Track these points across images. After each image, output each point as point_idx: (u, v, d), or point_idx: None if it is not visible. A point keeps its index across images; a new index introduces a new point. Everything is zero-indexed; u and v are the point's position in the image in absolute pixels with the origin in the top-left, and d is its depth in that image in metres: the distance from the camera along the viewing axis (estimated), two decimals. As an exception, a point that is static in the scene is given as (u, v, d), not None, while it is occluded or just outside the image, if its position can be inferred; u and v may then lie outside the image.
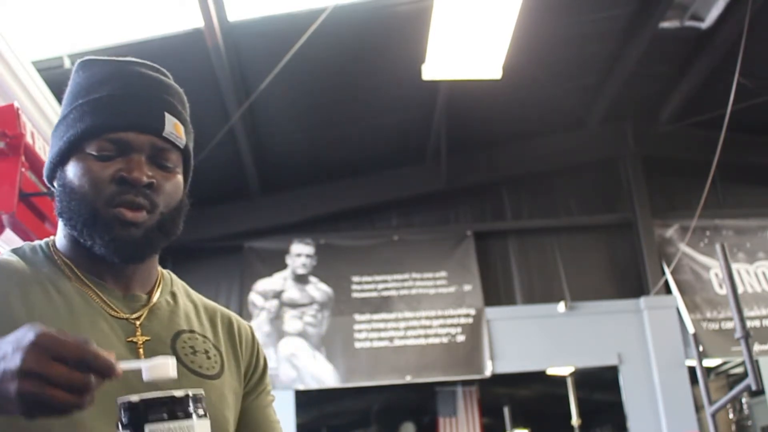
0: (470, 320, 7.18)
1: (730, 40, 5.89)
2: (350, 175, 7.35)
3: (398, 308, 7.21)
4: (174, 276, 1.22)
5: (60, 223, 1.12)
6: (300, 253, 7.34)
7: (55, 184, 1.09)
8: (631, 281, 7.53)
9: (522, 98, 6.73)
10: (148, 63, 1.13)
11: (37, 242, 1.14)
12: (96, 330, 1.02)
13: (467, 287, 7.30)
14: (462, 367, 7.05)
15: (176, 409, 0.83)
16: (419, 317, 7.18)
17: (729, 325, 7.03)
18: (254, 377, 1.19)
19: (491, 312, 7.24)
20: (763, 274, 7.50)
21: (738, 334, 3.42)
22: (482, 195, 7.77)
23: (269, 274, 7.24)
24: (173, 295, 1.17)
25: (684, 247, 7.44)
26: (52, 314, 1.00)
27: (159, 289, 1.14)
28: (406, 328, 7.15)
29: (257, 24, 5.19)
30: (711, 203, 6.93)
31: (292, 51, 5.05)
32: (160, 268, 1.19)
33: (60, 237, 1.12)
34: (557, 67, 6.47)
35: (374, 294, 7.26)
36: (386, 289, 7.28)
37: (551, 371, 7.53)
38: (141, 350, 1.04)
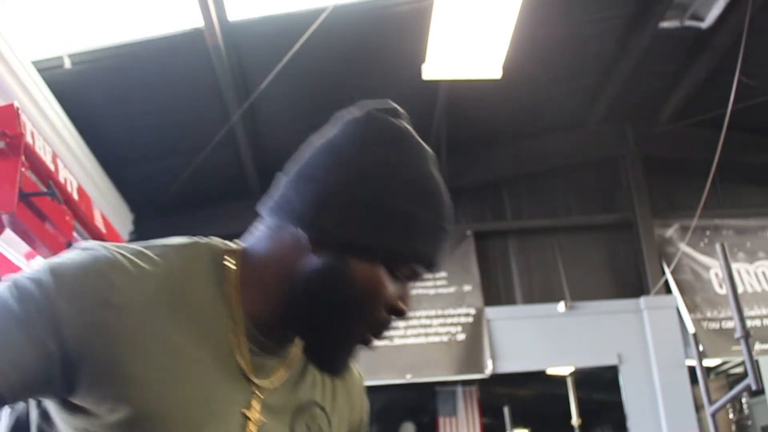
0: (470, 320, 7.19)
1: (730, 40, 5.89)
2: (350, 175, 7.33)
3: (398, 308, 7.20)
4: None
5: (270, 276, 0.93)
6: (300, 253, 7.33)
7: (321, 253, 0.90)
8: (631, 281, 7.53)
9: (522, 98, 6.73)
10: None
11: (207, 248, 0.96)
12: (228, 399, 0.89)
13: (467, 287, 7.31)
14: (462, 366, 7.05)
15: None
16: (419, 317, 7.18)
17: (729, 324, 7.03)
18: (360, 430, 1.16)
19: (491, 312, 7.24)
20: (763, 273, 7.50)
21: (738, 333, 3.42)
22: (482, 195, 7.77)
23: (269, 274, 7.24)
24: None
25: (684, 247, 7.44)
26: (184, 378, 0.85)
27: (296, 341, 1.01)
28: (406, 328, 7.15)
29: (257, 24, 5.19)
30: (711, 203, 6.93)
31: (292, 51, 5.05)
32: None
33: (254, 281, 0.94)
34: (557, 67, 6.47)
35: (374, 294, 7.25)
36: (386, 289, 7.28)
37: (551, 371, 7.53)
38: (252, 429, 0.91)
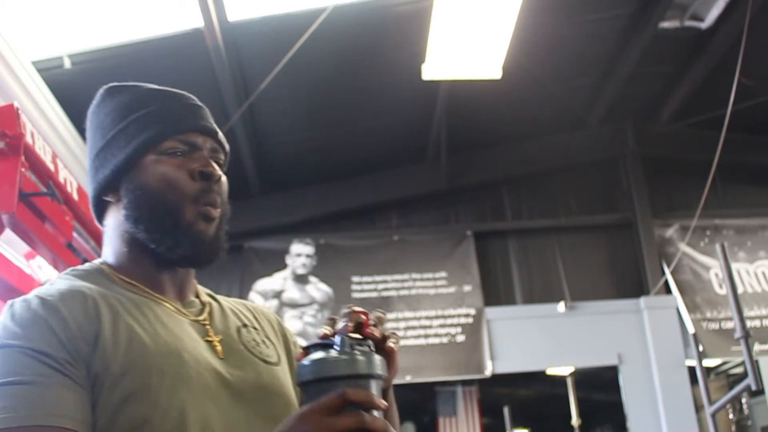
0: (470, 320, 7.18)
1: (730, 40, 5.89)
2: (350, 175, 7.35)
3: (398, 308, 7.21)
4: None
5: (115, 241, 1.15)
6: (300, 253, 7.34)
7: (120, 193, 1.13)
8: (631, 281, 7.53)
9: (522, 98, 6.73)
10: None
11: (89, 265, 1.16)
12: (188, 335, 1.08)
13: (467, 287, 7.30)
14: (462, 367, 7.05)
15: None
16: (419, 317, 7.18)
17: (729, 325, 7.03)
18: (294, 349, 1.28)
19: (491, 312, 7.24)
20: (763, 273, 7.50)
21: (738, 334, 3.42)
22: (482, 195, 7.77)
23: (269, 273, 7.24)
24: (211, 296, 1.24)
25: (684, 247, 7.44)
26: (151, 329, 1.04)
27: (202, 293, 1.22)
28: (406, 328, 7.15)
29: (257, 24, 5.19)
30: (711, 203, 6.93)
31: (292, 51, 5.05)
32: None
33: (116, 254, 1.15)
34: (557, 67, 6.47)
35: (374, 294, 7.26)
36: (386, 289, 7.28)
37: (551, 371, 7.52)
38: (218, 348, 1.11)
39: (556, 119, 7.42)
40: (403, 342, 7.09)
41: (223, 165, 1.18)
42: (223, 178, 1.16)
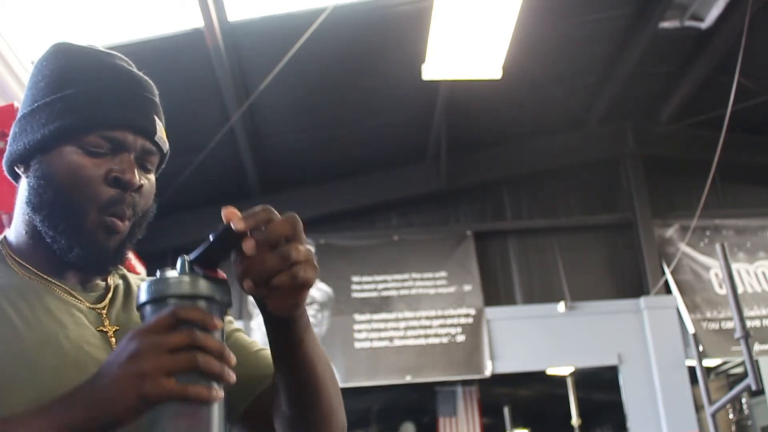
0: (470, 320, 7.18)
1: (730, 40, 5.89)
2: (350, 175, 7.35)
3: (398, 308, 7.21)
4: None
5: (18, 218, 1.07)
6: (300, 253, 7.33)
7: (29, 172, 1.03)
8: (631, 281, 7.53)
9: (522, 98, 6.73)
10: (126, 59, 1.15)
11: None
12: (75, 323, 1.00)
13: (467, 287, 7.30)
14: (462, 367, 7.05)
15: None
16: (419, 317, 7.18)
17: (729, 325, 7.03)
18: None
19: (491, 312, 7.24)
20: (763, 273, 7.50)
21: (738, 334, 3.43)
22: (482, 195, 7.77)
23: (269, 274, 7.23)
24: (123, 277, 1.16)
25: (684, 247, 7.44)
26: (31, 316, 0.97)
27: (112, 275, 1.13)
28: (406, 328, 7.15)
29: (257, 24, 5.19)
30: (711, 203, 6.94)
31: (292, 51, 5.05)
32: None
33: (16, 233, 1.07)
34: (557, 67, 6.47)
35: (374, 294, 7.26)
36: (386, 289, 7.28)
37: (551, 371, 7.52)
38: (113, 339, 1.03)
39: (556, 119, 7.42)
40: (402, 342, 7.10)
41: (154, 169, 1.09)
42: (146, 186, 1.05)
